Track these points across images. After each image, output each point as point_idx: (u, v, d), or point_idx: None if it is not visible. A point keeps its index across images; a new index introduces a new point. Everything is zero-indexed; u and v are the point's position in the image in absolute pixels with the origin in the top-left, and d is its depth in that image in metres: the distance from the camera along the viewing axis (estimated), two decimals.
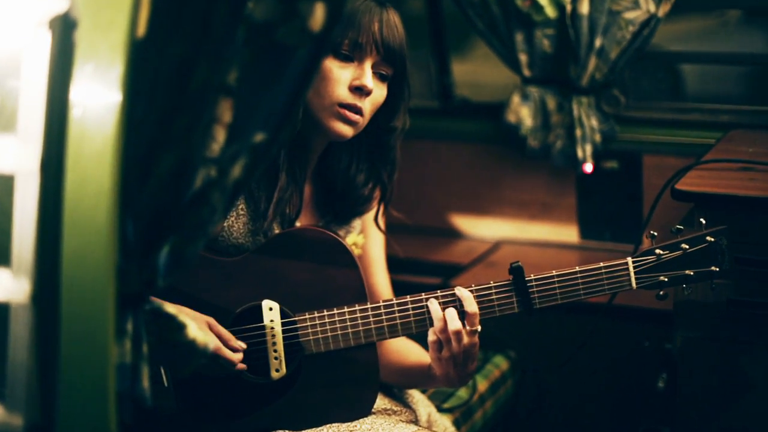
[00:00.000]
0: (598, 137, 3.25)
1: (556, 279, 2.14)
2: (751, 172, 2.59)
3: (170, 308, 1.60)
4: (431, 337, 2.10)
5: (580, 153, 3.24)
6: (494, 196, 3.54)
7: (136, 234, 1.44)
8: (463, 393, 2.73)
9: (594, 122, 3.24)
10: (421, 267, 3.34)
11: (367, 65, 2.10)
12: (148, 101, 1.42)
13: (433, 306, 2.08)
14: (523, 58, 3.26)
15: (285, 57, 1.51)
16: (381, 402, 2.29)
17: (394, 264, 3.36)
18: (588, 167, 3.27)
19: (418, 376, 2.30)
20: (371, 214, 2.35)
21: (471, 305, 2.08)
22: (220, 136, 1.49)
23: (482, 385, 2.81)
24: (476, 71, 3.75)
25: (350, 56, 2.10)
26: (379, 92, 2.14)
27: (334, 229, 2.26)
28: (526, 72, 3.28)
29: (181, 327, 1.62)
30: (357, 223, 2.33)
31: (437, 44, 3.63)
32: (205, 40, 1.46)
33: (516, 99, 3.32)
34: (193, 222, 1.51)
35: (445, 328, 2.06)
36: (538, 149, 3.33)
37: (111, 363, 1.37)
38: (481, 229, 3.59)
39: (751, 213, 2.43)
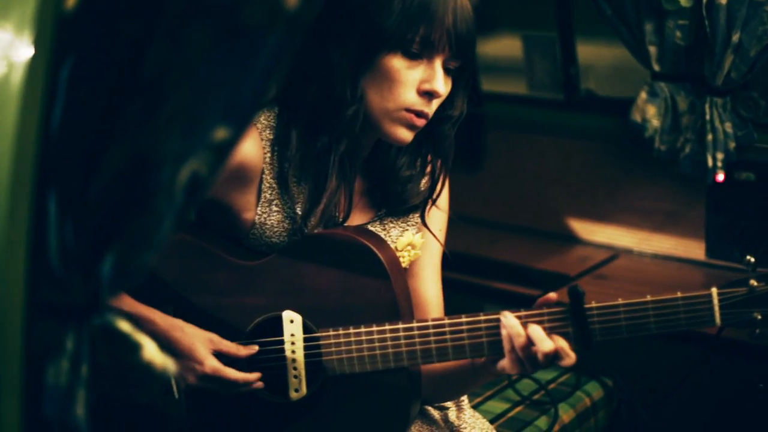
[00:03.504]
0: (732, 144, 2.90)
1: (622, 309, 1.82)
2: None
3: (124, 325, 1.39)
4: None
5: (710, 161, 2.90)
6: (615, 201, 3.24)
7: (78, 239, 1.24)
8: (542, 423, 2.44)
9: (728, 127, 2.88)
10: (523, 274, 3.06)
11: (438, 64, 1.82)
12: (91, 87, 1.22)
13: (510, 321, 1.79)
14: (652, 50, 2.94)
15: (251, 42, 1.27)
16: None
17: (494, 269, 3.12)
18: (719, 177, 2.92)
19: (465, 374, 1.99)
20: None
21: (519, 337, 1.79)
22: (174, 130, 1.28)
23: (567, 415, 2.51)
24: (603, 57, 3.42)
25: (419, 54, 1.82)
26: (446, 89, 1.86)
27: (390, 225, 2.00)
28: (656, 66, 2.95)
29: (136, 347, 1.41)
30: (417, 220, 2.05)
31: (563, 29, 3.31)
32: (159, 20, 1.24)
33: (643, 95, 3.00)
34: (138, 230, 1.31)
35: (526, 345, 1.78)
36: (665, 153, 3.00)
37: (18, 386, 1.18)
38: (598, 235, 3.29)
39: None
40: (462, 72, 1.90)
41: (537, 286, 2.97)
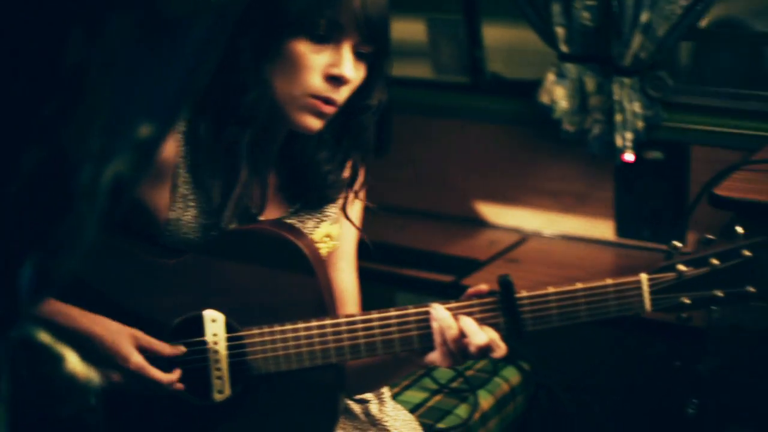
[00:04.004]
0: (640, 124, 2.89)
1: (552, 298, 1.79)
2: None
3: (45, 336, 1.30)
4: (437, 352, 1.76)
5: (619, 141, 2.89)
6: (523, 184, 3.21)
7: None
8: (462, 411, 2.40)
9: (637, 107, 2.88)
10: (433, 261, 3.01)
11: (346, 49, 1.75)
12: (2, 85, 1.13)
13: (440, 314, 1.75)
14: (560, 31, 2.91)
15: (175, 33, 1.19)
16: (346, 429, 1.98)
17: (403, 256, 3.07)
18: (628, 157, 2.91)
19: (389, 365, 1.93)
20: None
21: (450, 329, 1.74)
22: (95, 128, 1.19)
23: (486, 401, 2.48)
24: (511, 40, 3.38)
25: (326, 37, 1.75)
26: (357, 75, 1.79)
27: (306, 218, 1.92)
28: (563, 47, 2.93)
29: (57, 359, 1.33)
30: (332, 211, 1.97)
31: (468, 12, 3.27)
32: (76, 12, 1.15)
33: (551, 77, 2.98)
34: (58, 236, 1.22)
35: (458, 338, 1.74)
36: (574, 134, 2.99)
37: None
38: (507, 219, 3.26)
39: None
40: (377, 58, 1.84)
41: (448, 272, 2.93)
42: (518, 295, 1.79)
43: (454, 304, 1.78)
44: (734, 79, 3.07)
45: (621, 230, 3.12)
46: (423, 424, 2.15)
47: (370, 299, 1.87)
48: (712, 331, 2.19)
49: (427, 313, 1.77)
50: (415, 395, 2.48)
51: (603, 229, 3.14)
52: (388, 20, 1.81)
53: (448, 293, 2.76)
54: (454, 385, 2.52)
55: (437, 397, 2.47)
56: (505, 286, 1.79)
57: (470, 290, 1.81)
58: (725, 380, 2.23)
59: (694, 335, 2.44)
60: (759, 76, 3.16)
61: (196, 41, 1.20)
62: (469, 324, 1.75)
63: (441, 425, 2.34)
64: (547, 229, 3.22)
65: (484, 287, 1.80)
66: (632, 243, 3.09)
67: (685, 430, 2.43)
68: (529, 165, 3.20)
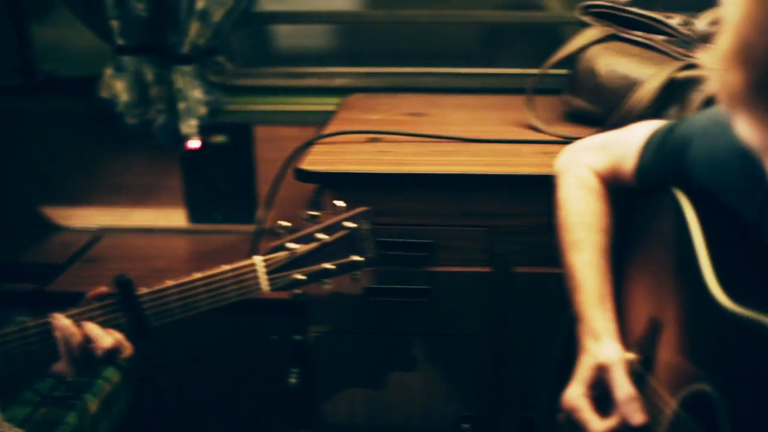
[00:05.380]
0: (203, 110, 2.93)
1: (172, 291, 1.80)
2: (380, 144, 2.37)
3: None
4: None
5: (184, 128, 2.91)
6: (90, 182, 3.14)
7: None
8: (72, 419, 2.34)
9: (198, 93, 2.91)
10: (9, 272, 2.88)
11: None
12: None
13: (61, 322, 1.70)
14: (114, 24, 2.86)
15: None
16: None
17: None
18: (194, 143, 2.94)
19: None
20: None
21: (73, 337, 1.70)
22: None
23: (93, 404, 2.43)
24: (63, 38, 3.29)
25: None
26: None
27: None
28: (119, 40, 2.88)
29: None
30: None
31: (14, 12, 3.14)
32: None
33: (109, 71, 2.93)
34: None
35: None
36: (137, 126, 2.96)
37: None
38: (77, 219, 3.18)
39: (386, 191, 2.20)
40: None
41: (27, 281, 2.82)
42: (138, 293, 1.78)
43: (74, 311, 1.75)
44: (250, 57, 3.17)
45: (194, 216, 3.15)
46: None
47: None
48: (314, 301, 2.28)
49: (48, 324, 1.72)
50: (19, 411, 2.37)
51: (176, 217, 3.15)
52: None
53: (37, 302, 2.68)
54: (57, 393, 2.44)
55: (42, 410, 2.38)
56: (124, 286, 1.78)
57: (89, 294, 1.78)
58: (327, 347, 2.33)
59: (288, 309, 2.53)
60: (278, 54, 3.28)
61: None
62: (92, 329, 1.73)
63: None
64: (120, 223, 3.18)
65: (103, 289, 1.78)
66: (206, 228, 3.13)
67: (290, 399, 2.51)
68: (94, 162, 3.14)
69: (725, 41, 1.01)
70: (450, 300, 2.27)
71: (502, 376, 2.33)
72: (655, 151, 1.66)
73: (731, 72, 1.01)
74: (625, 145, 1.74)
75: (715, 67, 1.03)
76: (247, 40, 3.15)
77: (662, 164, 1.64)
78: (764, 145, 1.07)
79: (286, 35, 3.22)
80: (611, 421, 1.59)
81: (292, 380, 2.46)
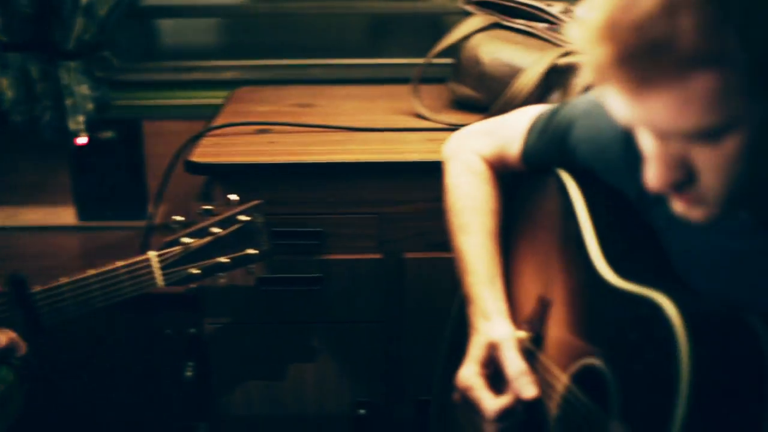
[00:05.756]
0: (90, 106, 2.91)
1: (66, 288, 1.81)
2: (269, 135, 2.40)
3: None
4: None
5: (72, 125, 2.89)
6: None
7: None
8: None
9: (85, 89, 2.88)
10: None
11: None
12: None
13: None
14: None
15: None
16: None
17: None
18: (82, 140, 2.92)
19: None
20: None
21: None
22: None
23: None
24: None
25: None
26: None
27: None
28: (3, 37, 2.85)
29: None
30: None
31: None
32: None
33: None
34: None
35: None
36: (23, 124, 2.93)
37: None
38: None
39: (275, 181, 2.23)
40: None
41: None
42: (32, 290, 1.78)
43: None
44: (137, 52, 3.17)
45: (82, 214, 3.12)
46: None
47: None
48: (208, 293, 2.29)
49: None
50: None
51: (65, 215, 3.12)
52: None
53: None
54: None
55: None
56: (17, 284, 1.77)
57: None
58: (222, 338, 2.35)
59: (181, 302, 2.54)
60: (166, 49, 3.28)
61: None
62: None
63: None
64: (6, 222, 3.14)
65: None
66: (96, 224, 3.11)
67: (187, 392, 2.52)
68: None
69: (593, 18, 1.09)
70: (343, 287, 2.30)
71: (396, 361, 2.38)
72: (539, 134, 1.72)
73: (599, 47, 1.09)
74: (510, 129, 1.79)
75: (584, 43, 1.11)
76: (134, 35, 3.14)
77: (546, 147, 1.70)
78: (633, 119, 1.14)
79: (173, 29, 3.21)
80: (505, 399, 1.63)
81: (188, 373, 2.47)
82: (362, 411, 2.39)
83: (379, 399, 2.40)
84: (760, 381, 1.21)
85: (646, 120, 1.13)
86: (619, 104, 1.14)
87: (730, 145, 1.11)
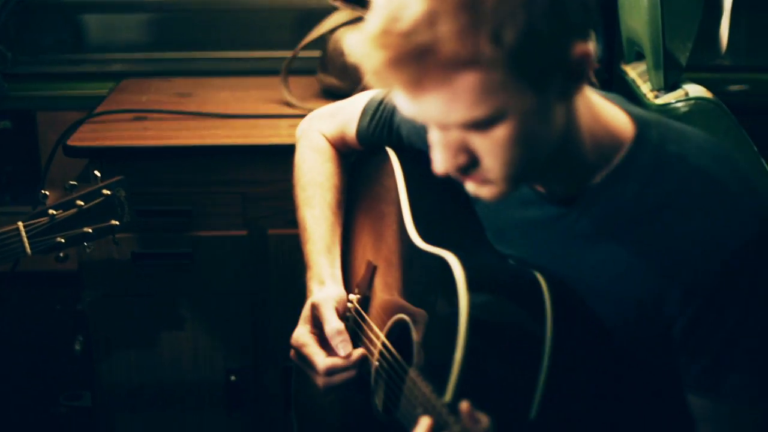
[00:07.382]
0: None
1: None
2: (145, 121, 2.57)
3: None
4: None
5: None
6: None
7: None
8: None
9: None
10: None
11: None
12: None
13: None
14: None
15: None
16: None
17: None
18: None
19: None
20: None
21: None
22: None
23: None
24: None
25: None
26: None
27: None
28: None
29: None
30: None
31: None
32: None
33: None
34: None
35: None
36: None
37: None
38: None
39: (147, 163, 2.40)
40: None
41: None
42: None
43: None
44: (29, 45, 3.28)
45: None
46: None
47: None
48: (86, 269, 2.44)
49: None
50: None
51: None
52: None
53: None
54: None
55: None
56: None
57: None
58: (100, 311, 2.50)
59: (70, 279, 2.68)
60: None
61: None
62: None
63: None
64: None
65: None
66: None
67: (77, 364, 2.66)
68: None
69: (369, 27, 1.26)
70: (211, 262, 2.48)
71: (263, 331, 2.55)
72: (371, 116, 1.89)
73: (374, 52, 1.25)
74: (348, 112, 1.96)
75: (361, 49, 1.27)
76: (28, 30, 3.26)
77: (377, 127, 1.87)
78: (414, 113, 1.31)
79: (64, 22, 3.33)
80: (335, 358, 1.76)
81: (77, 347, 2.61)
82: (233, 377, 2.56)
83: (249, 366, 2.57)
84: (539, 327, 1.40)
85: (424, 114, 1.30)
86: (401, 101, 1.31)
87: (501, 132, 1.29)
